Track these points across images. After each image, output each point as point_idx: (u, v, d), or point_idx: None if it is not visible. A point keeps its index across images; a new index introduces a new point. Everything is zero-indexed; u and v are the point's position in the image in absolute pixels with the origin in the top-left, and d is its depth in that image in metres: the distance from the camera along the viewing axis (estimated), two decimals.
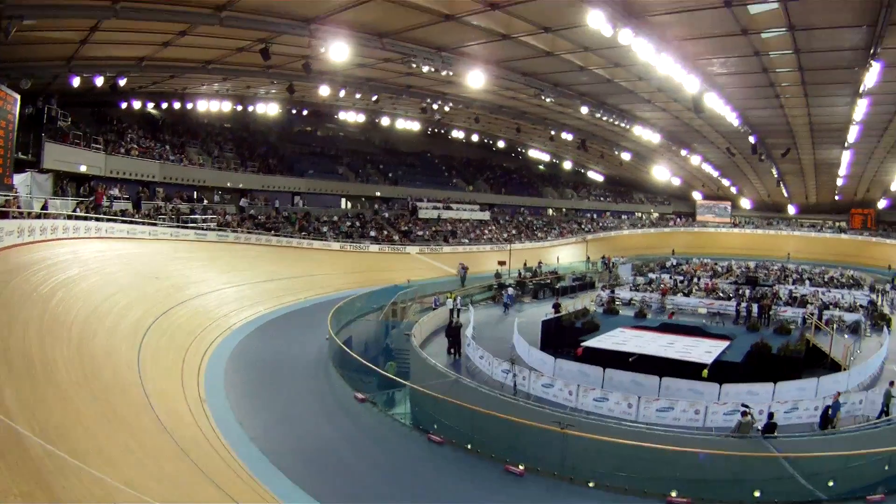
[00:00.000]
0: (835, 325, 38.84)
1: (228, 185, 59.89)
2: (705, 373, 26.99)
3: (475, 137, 73.70)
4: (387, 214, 72.00)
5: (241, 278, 42.75)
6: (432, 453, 21.49)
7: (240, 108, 56.38)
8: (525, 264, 61.04)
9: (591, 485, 20.01)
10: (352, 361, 28.12)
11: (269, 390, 25.73)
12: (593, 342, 31.14)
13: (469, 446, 21.71)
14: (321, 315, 34.96)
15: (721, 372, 27.37)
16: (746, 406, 22.36)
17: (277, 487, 16.92)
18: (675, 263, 67.18)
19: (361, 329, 38.02)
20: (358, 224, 66.15)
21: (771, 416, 22.07)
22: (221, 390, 24.62)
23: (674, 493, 19.39)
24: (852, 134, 49.40)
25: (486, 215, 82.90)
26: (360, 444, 21.91)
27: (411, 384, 26.71)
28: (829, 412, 22.87)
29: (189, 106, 53.88)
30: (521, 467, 20.25)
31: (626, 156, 74.12)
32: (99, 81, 37.77)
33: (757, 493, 19.78)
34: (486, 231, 79.47)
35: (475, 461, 21.03)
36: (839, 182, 79.30)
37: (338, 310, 35.59)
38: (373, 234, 65.23)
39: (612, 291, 49.20)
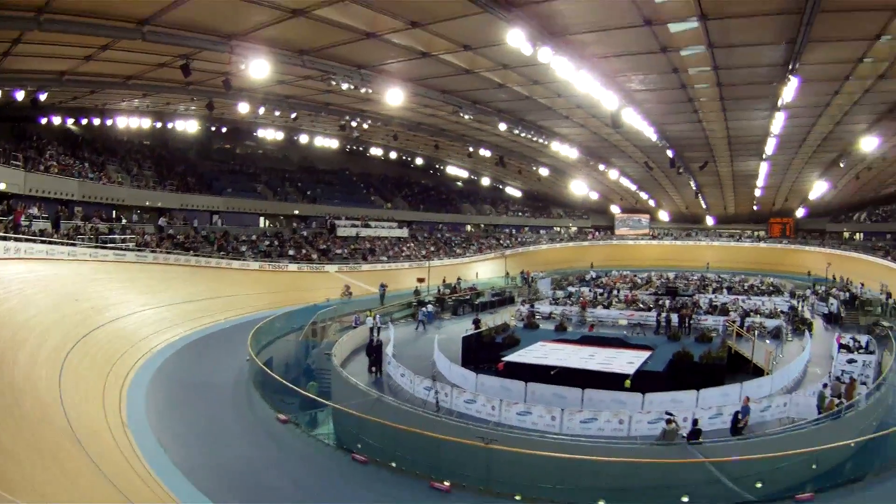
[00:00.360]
0: (756, 332, 39.34)
1: (147, 203, 58.57)
2: (628, 383, 27.22)
3: (394, 154, 73.69)
4: (305, 233, 71.17)
5: (160, 300, 41.73)
6: (357, 473, 21.20)
7: (159, 125, 55.71)
8: (444, 281, 60.74)
9: (517, 498, 20.01)
10: (273, 382, 27.70)
11: (191, 413, 25.08)
12: (514, 357, 31.13)
13: (394, 464, 21.56)
14: (241, 336, 34.41)
15: (644, 381, 27.65)
16: (670, 414, 22.67)
17: None
18: (594, 276, 67.93)
19: (282, 349, 37.43)
20: (276, 243, 65.23)
21: (695, 422, 22.41)
22: (143, 415, 23.79)
23: (601, 503, 19.53)
24: (770, 146, 50.88)
25: (404, 232, 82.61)
26: (283, 466, 21.56)
27: (333, 404, 26.53)
28: (739, 416, 23.26)
29: (109, 122, 53.06)
30: (446, 483, 20.08)
31: (544, 171, 75.02)
32: (20, 96, 37.05)
33: (685, 499, 20.11)
34: (405, 248, 79.25)
35: (400, 479, 20.85)
36: (757, 193, 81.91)
37: (257, 330, 35.02)
38: (291, 252, 64.30)
39: (532, 306, 49.26)
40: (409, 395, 27.76)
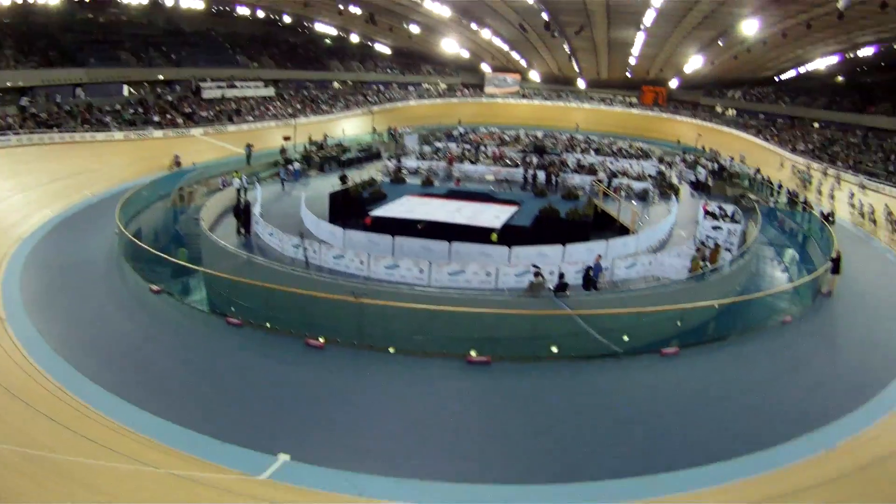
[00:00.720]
0: (623, 193, 40.48)
1: (8, 84, 54.63)
2: (494, 236, 27.77)
3: (261, 14, 71.09)
4: (170, 98, 67.67)
5: (26, 182, 39.66)
6: (232, 336, 21.30)
7: (20, 0, 51.81)
8: (310, 138, 59.30)
9: (391, 350, 20.51)
10: (143, 253, 27.02)
11: (66, 296, 24.28)
12: (381, 211, 31.28)
13: (268, 325, 21.70)
14: (110, 210, 32.98)
15: (510, 236, 28.24)
16: (536, 267, 23.33)
17: (86, 394, 16.23)
18: (462, 133, 67.66)
19: (150, 219, 36.49)
20: (141, 110, 61.95)
21: (562, 276, 23.11)
22: (20, 306, 22.82)
23: (473, 353, 20.17)
24: (648, 18, 50.84)
25: (270, 91, 79.55)
26: (160, 337, 21.43)
27: (204, 269, 26.23)
28: (591, 273, 24.08)
29: None
30: (321, 340, 20.42)
31: (415, 29, 73.66)
32: None
33: (554, 349, 20.99)
34: (271, 107, 76.52)
35: (276, 339, 21.07)
36: (632, 61, 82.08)
37: (125, 202, 33.77)
38: (156, 119, 61.46)
39: (399, 161, 49.21)
40: (278, 255, 27.74)
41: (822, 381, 19.74)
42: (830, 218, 40.51)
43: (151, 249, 27.08)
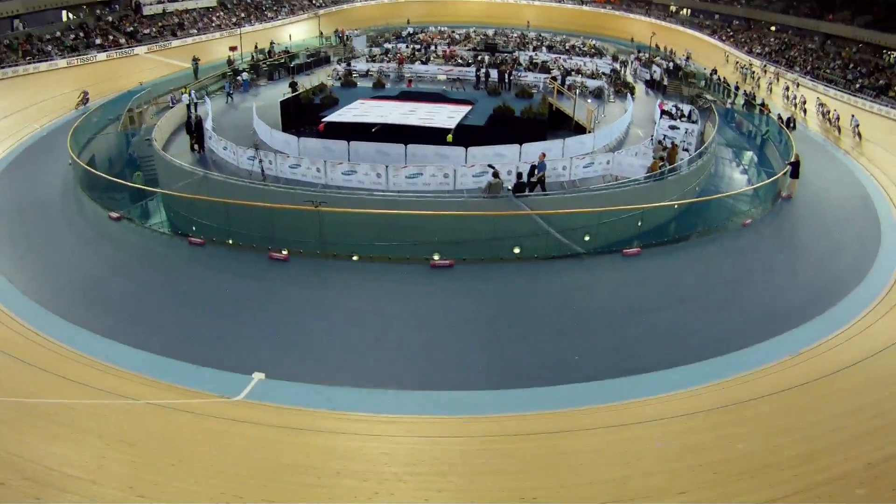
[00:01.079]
0: (577, 91, 39.86)
1: None
2: (450, 137, 27.53)
3: None
4: (110, 18, 65.21)
5: None
6: (196, 256, 21.16)
7: None
8: (256, 47, 58.46)
9: (354, 258, 20.51)
10: (99, 181, 26.41)
11: (26, 237, 23.46)
12: (334, 117, 30.72)
13: (230, 241, 21.52)
14: (61, 141, 31.85)
15: (465, 136, 27.95)
16: (493, 167, 23.18)
17: (60, 334, 15.97)
18: (411, 32, 66.39)
19: (103, 145, 35.21)
20: (82, 35, 59.46)
21: (519, 175, 23.01)
22: None
23: (436, 257, 20.28)
24: None
25: (212, 1, 76.15)
26: (124, 264, 21.17)
27: (161, 191, 25.70)
28: (535, 170, 23.86)
29: None
30: (284, 252, 20.39)
31: None
32: None
33: (517, 250, 20.98)
34: (215, 18, 73.68)
35: (239, 254, 21.02)
36: None
37: (75, 130, 32.49)
38: (98, 42, 59.22)
39: (349, 64, 48.34)
40: (234, 168, 27.32)
41: (783, 285, 20.00)
42: (791, 124, 40.27)
43: (107, 176, 26.50)
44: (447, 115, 30.68)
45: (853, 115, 40.34)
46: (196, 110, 33.17)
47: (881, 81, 48.18)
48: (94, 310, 17.70)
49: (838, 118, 41.72)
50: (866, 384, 11.44)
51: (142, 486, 6.60)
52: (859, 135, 38.19)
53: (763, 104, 45.32)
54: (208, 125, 31.08)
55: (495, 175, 22.75)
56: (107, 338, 15.89)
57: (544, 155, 24.77)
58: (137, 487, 6.54)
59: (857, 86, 49.02)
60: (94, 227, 24.22)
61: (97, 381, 12.82)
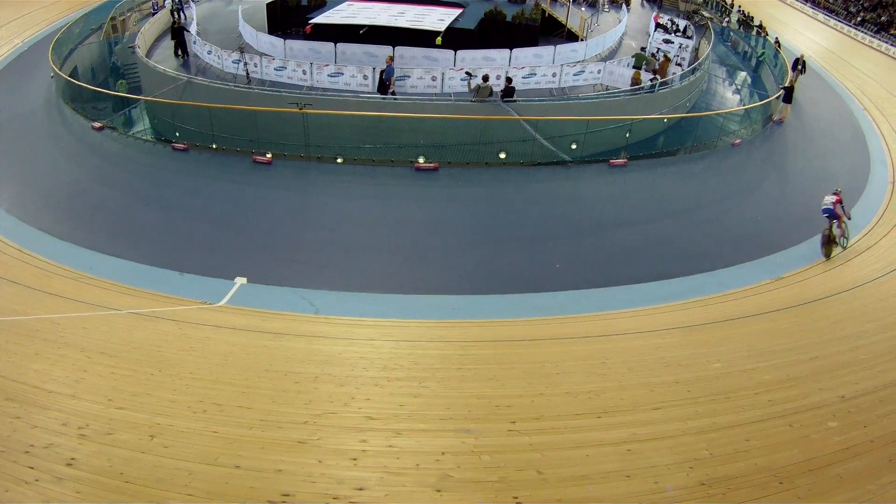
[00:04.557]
0: None
1: None
2: (439, 40, 26.78)
3: None
4: None
5: None
6: (180, 161, 20.79)
7: None
8: None
9: (339, 161, 20.15)
10: (82, 91, 25.53)
11: (9, 154, 22.88)
12: (322, 18, 29.59)
13: (214, 146, 21.07)
14: (43, 54, 30.79)
15: (455, 39, 27.13)
16: (469, 73, 22.59)
17: (46, 250, 15.80)
18: None
19: (85, 55, 33.84)
20: None
21: (508, 80, 22.39)
22: None
23: (421, 160, 19.95)
24: None
25: None
26: (109, 174, 20.77)
27: (144, 97, 24.96)
28: (383, 76, 23.24)
29: None
30: (268, 156, 20.03)
31: None
32: None
33: (502, 155, 20.63)
34: None
35: (223, 159, 20.64)
36: None
37: (56, 42, 31.28)
38: None
39: None
40: (218, 72, 26.52)
41: (770, 208, 19.85)
42: (801, 66, 38.10)
43: (88, 86, 25.66)
44: (437, 18, 29.82)
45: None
46: (180, 16, 32.32)
47: (883, 18, 47.05)
48: (78, 222, 17.46)
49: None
50: (848, 315, 11.43)
51: (121, 398, 6.47)
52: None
53: (761, 26, 43.91)
54: (193, 29, 30.16)
55: (469, 75, 22.33)
56: (95, 250, 15.70)
57: (391, 58, 24.32)
58: (116, 399, 6.41)
59: (859, 19, 47.82)
60: (77, 139, 23.56)
61: (83, 295, 12.61)
